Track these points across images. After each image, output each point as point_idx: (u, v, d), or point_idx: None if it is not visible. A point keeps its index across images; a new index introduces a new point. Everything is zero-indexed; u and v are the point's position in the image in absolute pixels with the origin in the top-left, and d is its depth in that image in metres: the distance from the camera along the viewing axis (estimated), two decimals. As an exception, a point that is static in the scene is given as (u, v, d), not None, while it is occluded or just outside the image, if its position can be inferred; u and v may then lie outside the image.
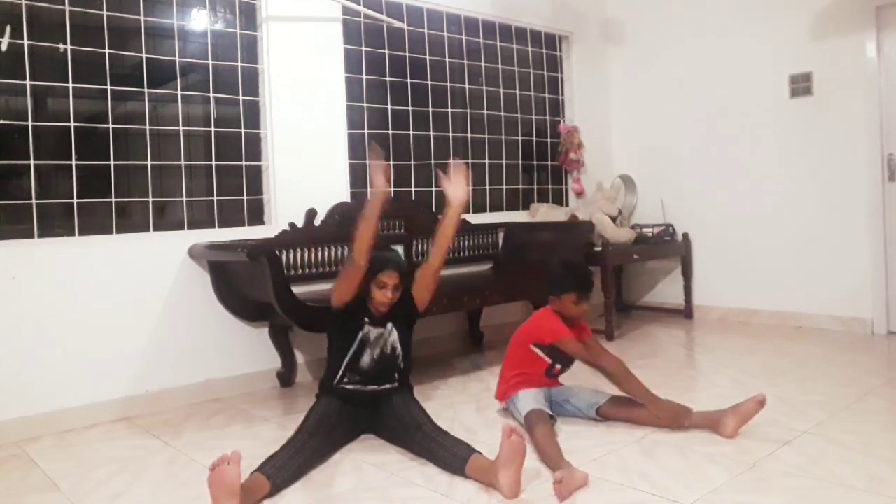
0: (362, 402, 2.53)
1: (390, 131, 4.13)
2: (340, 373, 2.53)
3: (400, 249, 3.87)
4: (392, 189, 4.11)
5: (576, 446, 2.36)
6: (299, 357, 3.56)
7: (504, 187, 4.77)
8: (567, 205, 5.15)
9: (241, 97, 3.55)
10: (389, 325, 2.56)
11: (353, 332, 2.52)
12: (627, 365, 3.63)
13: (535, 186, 5.01)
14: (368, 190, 4.00)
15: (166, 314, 3.18)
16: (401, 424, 2.43)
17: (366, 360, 2.52)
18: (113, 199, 3.15)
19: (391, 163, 4.11)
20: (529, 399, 2.57)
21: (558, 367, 2.73)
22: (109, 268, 3.04)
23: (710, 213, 4.88)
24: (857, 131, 4.19)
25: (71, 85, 3.02)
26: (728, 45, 4.74)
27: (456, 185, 2.60)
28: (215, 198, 3.47)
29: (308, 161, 3.69)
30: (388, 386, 2.55)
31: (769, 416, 2.61)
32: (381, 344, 2.54)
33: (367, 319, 2.53)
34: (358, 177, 3.95)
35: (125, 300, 3.07)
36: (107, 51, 3.11)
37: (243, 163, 3.55)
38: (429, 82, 4.31)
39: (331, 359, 2.60)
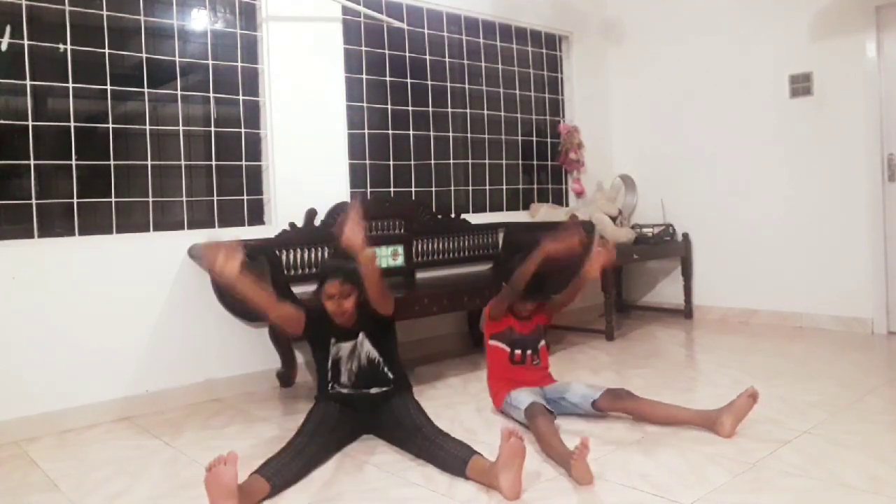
0: (360, 405, 2.53)
1: (390, 131, 4.13)
2: (329, 386, 2.54)
3: (400, 249, 3.88)
4: (392, 189, 4.13)
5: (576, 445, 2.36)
6: (299, 357, 3.56)
7: (504, 187, 4.77)
8: (567, 205, 5.15)
9: (241, 97, 3.55)
10: (361, 336, 2.51)
11: (325, 351, 2.52)
12: (626, 364, 3.67)
13: (535, 186, 5.01)
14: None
15: (166, 314, 3.18)
16: (400, 427, 2.43)
17: (344, 377, 2.52)
18: (113, 199, 3.15)
19: (391, 163, 4.12)
20: (526, 395, 2.58)
21: (518, 352, 2.75)
22: (109, 268, 3.04)
23: (710, 213, 4.88)
24: (857, 131, 4.19)
25: (71, 85, 3.02)
26: (728, 45, 4.74)
27: (349, 232, 2.23)
28: (215, 198, 3.47)
29: (308, 161, 3.68)
30: (384, 389, 2.54)
31: (769, 416, 2.61)
32: (357, 357, 2.51)
33: (334, 339, 2.51)
34: (358, 177, 3.95)
35: (125, 300, 3.07)
36: (107, 51, 3.11)
37: (243, 163, 3.55)
38: (429, 82, 4.31)
39: (318, 373, 2.60)
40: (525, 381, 2.73)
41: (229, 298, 2.89)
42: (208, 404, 3.20)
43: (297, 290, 3.20)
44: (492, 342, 2.79)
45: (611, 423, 2.65)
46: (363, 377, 2.52)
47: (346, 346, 2.51)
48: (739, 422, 2.46)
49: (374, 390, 2.53)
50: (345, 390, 2.53)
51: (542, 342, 2.84)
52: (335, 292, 2.43)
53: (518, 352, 2.76)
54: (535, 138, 5.02)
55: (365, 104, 4.00)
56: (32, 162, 2.93)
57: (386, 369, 2.55)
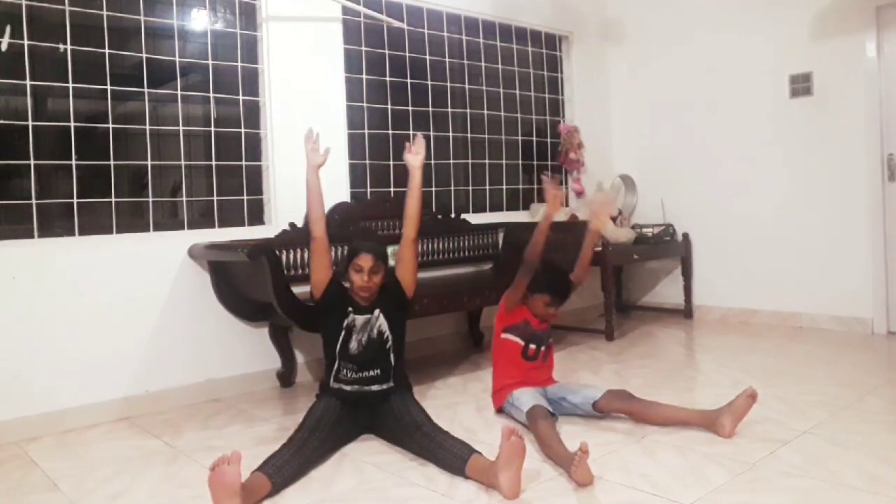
0: (361, 402, 2.54)
1: (390, 131, 4.13)
2: (335, 366, 2.54)
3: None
4: (397, 181, 4.13)
5: (576, 446, 2.36)
6: (299, 357, 3.56)
7: (504, 187, 4.77)
8: (567, 205, 5.15)
9: (241, 97, 3.55)
10: (377, 312, 2.57)
11: (339, 322, 2.54)
12: (626, 364, 3.67)
13: (535, 186, 5.01)
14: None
15: (166, 314, 3.18)
16: (400, 425, 2.43)
17: (353, 346, 2.53)
18: (113, 200, 3.15)
19: (391, 163, 4.12)
20: (528, 397, 2.58)
21: (532, 347, 2.75)
22: (109, 268, 3.04)
23: (710, 213, 4.88)
24: (857, 131, 4.19)
25: (71, 85, 3.02)
26: (728, 44, 4.74)
27: (414, 154, 2.73)
28: (215, 198, 3.47)
29: (308, 161, 3.68)
30: (385, 386, 2.55)
31: (769, 416, 2.61)
32: (369, 329, 2.55)
33: (351, 309, 2.55)
34: (358, 177, 3.95)
35: (125, 300, 3.07)
36: (107, 51, 3.11)
37: (243, 163, 3.55)
38: (429, 82, 4.31)
39: (325, 354, 2.62)
40: (531, 381, 2.72)
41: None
42: (208, 404, 3.20)
43: (297, 290, 3.20)
44: (504, 335, 2.77)
45: (611, 423, 2.65)
46: (371, 349, 2.54)
47: (360, 318, 2.55)
48: (739, 422, 2.46)
49: (374, 387, 2.54)
50: (347, 387, 2.53)
51: (551, 338, 2.85)
52: (367, 266, 2.48)
53: (532, 346, 2.75)
54: (535, 138, 5.02)
55: (365, 104, 4.00)
56: (32, 162, 2.93)
57: (391, 351, 2.58)
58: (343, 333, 2.54)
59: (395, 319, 2.61)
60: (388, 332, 2.58)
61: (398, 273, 2.64)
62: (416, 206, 2.70)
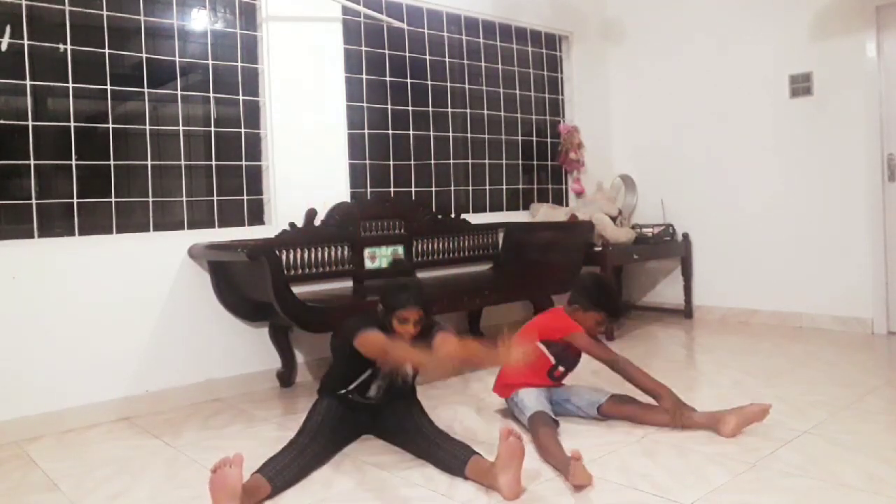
0: (363, 410, 2.51)
1: (390, 131, 4.13)
2: (343, 391, 2.46)
3: (400, 250, 3.88)
4: (393, 190, 4.13)
5: (576, 446, 2.35)
6: (299, 357, 3.56)
7: (504, 187, 4.77)
8: (567, 205, 5.15)
9: (241, 97, 3.55)
10: None
11: (365, 364, 2.41)
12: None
13: (535, 186, 5.01)
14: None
15: (166, 314, 3.18)
16: (401, 427, 2.43)
17: (372, 391, 2.47)
18: (113, 199, 3.15)
19: (391, 163, 4.12)
20: (532, 400, 2.56)
21: (560, 369, 2.72)
22: (109, 268, 3.04)
23: (710, 213, 4.88)
24: (857, 131, 4.19)
25: (71, 85, 3.02)
26: (728, 45, 4.74)
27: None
28: (215, 198, 3.47)
29: (308, 161, 3.68)
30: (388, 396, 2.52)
31: (769, 416, 2.61)
32: (391, 376, 2.45)
33: None
34: (358, 177, 3.95)
35: (125, 300, 3.07)
36: (107, 51, 3.11)
37: (243, 163, 3.55)
38: (429, 82, 4.31)
39: (336, 373, 2.52)
40: (540, 383, 2.69)
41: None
42: (209, 404, 3.20)
43: (297, 289, 3.21)
44: (539, 345, 2.66)
45: (611, 422, 2.65)
46: (390, 392, 2.48)
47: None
48: (744, 426, 2.45)
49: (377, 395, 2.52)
50: (351, 395, 2.49)
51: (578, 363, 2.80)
52: (413, 319, 2.36)
53: (561, 369, 2.72)
54: (535, 138, 5.02)
55: (365, 104, 4.00)
56: (32, 162, 2.93)
57: (410, 386, 2.55)
58: (366, 377, 2.43)
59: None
60: (410, 378, 2.51)
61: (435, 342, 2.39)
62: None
